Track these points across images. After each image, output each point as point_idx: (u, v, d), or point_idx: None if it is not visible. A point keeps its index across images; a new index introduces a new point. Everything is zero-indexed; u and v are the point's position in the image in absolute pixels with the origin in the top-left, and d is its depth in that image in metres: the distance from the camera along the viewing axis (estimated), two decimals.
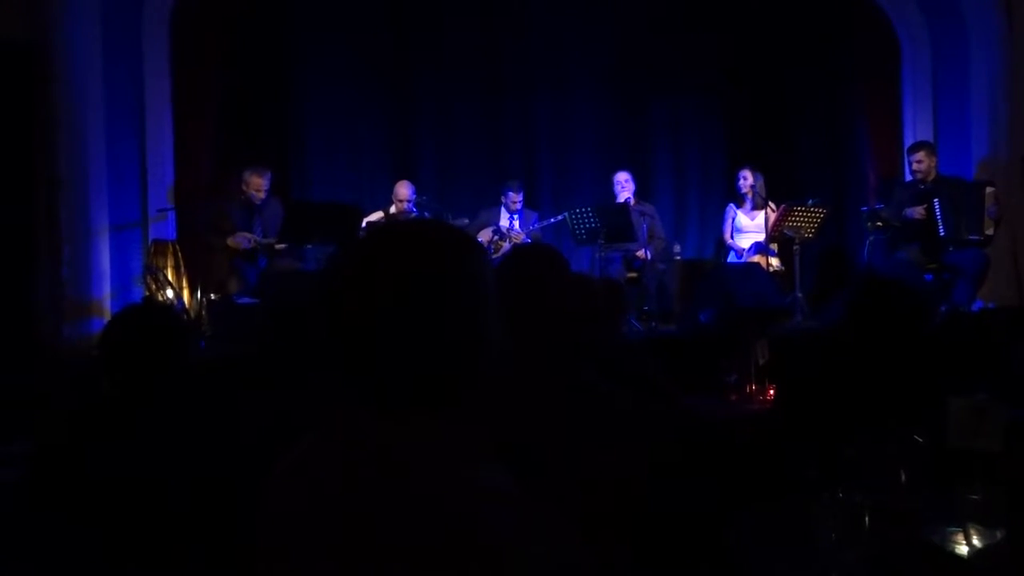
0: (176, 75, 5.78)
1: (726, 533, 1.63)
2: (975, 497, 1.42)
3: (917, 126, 6.59)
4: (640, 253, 5.80)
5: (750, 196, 6.06)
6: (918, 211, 5.41)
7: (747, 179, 6.03)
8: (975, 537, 1.37)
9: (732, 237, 6.14)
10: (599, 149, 7.07)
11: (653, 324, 5.42)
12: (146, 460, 1.86)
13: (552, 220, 6.06)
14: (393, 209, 5.95)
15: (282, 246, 5.39)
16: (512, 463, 0.90)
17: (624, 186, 6.09)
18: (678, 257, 6.39)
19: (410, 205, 5.90)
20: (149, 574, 1.79)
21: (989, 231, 5.38)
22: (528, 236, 6.04)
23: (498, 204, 6.22)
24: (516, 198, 6.13)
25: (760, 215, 5.93)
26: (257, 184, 5.47)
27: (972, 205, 5.36)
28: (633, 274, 5.85)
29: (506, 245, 5.93)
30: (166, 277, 5.24)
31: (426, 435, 0.85)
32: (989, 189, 5.40)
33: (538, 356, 1.50)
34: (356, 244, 0.93)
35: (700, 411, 3.28)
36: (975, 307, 5.32)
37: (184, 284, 5.39)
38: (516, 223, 6.15)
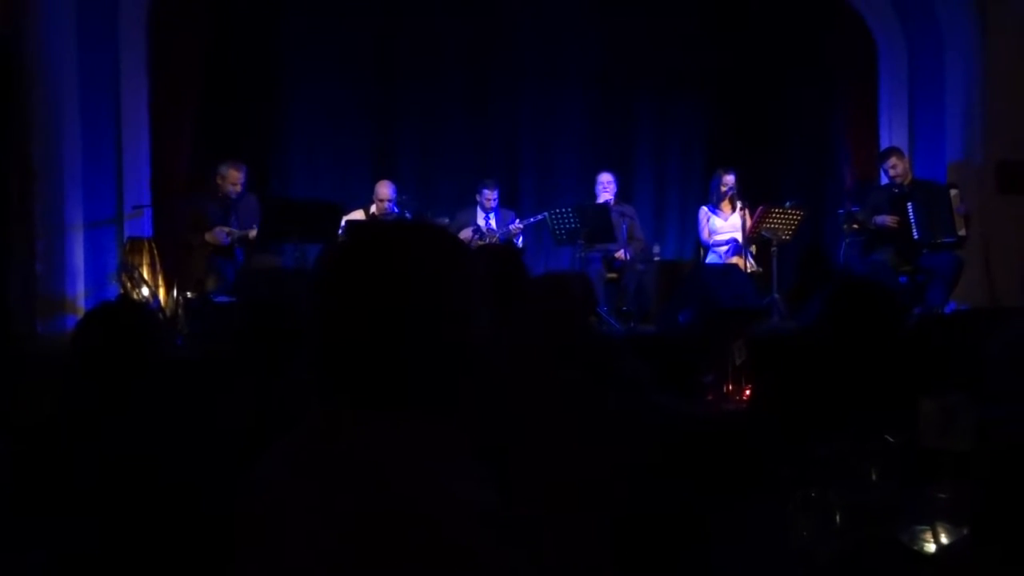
0: (154, 70, 5.71)
1: (701, 532, 1.64)
2: (944, 496, 1.44)
3: (893, 129, 6.67)
4: (620, 254, 5.82)
5: (729, 199, 6.06)
6: (888, 219, 5.49)
7: (728, 182, 6.02)
8: (943, 535, 1.39)
9: (710, 239, 6.16)
10: (582, 150, 7.09)
11: (632, 324, 5.45)
12: (121, 460, 1.84)
13: (532, 219, 6.06)
14: (374, 208, 5.91)
15: (254, 233, 5.31)
16: (496, 464, 0.90)
17: (606, 187, 6.11)
18: (657, 258, 6.42)
19: (391, 205, 5.86)
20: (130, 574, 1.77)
21: (962, 231, 5.45)
22: (503, 236, 6.02)
23: (474, 204, 6.19)
24: (491, 195, 6.09)
25: (735, 216, 5.96)
26: (234, 177, 5.41)
27: (941, 208, 5.44)
28: (613, 275, 5.87)
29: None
30: (141, 275, 5.18)
31: (407, 438, 0.85)
32: (953, 191, 5.48)
33: (523, 356, 1.50)
34: (342, 245, 0.92)
35: (677, 410, 3.31)
36: (948, 309, 5.39)
37: (160, 282, 5.34)
38: (492, 222, 6.14)
